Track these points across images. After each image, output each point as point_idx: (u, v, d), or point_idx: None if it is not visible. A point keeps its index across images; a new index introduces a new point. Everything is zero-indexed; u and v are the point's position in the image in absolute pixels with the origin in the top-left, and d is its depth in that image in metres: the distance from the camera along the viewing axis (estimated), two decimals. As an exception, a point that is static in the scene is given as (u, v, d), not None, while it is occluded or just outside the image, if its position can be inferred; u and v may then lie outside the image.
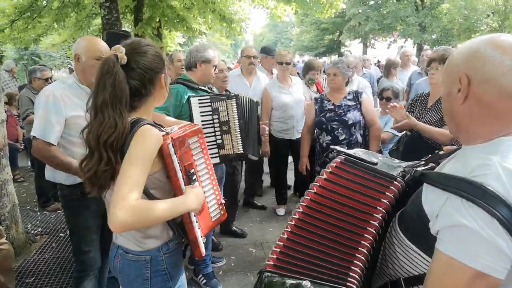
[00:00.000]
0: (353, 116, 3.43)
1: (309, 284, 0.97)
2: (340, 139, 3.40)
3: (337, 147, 1.37)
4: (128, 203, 1.17)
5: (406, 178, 1.13)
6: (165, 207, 1.29)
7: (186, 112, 2.78)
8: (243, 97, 3.11)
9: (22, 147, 6.89)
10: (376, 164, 1.19)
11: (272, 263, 1.08)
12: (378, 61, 24.07)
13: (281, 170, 4.61)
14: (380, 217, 1.04)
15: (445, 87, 1.04)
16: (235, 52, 47.87)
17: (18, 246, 3.79)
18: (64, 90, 2.29)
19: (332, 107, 3.51)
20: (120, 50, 1.34)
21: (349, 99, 3.52)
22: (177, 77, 3.38)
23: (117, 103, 1.30)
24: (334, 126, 3.45)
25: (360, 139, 3.48)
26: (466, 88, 0.95)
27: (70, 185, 2.35)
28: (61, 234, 4.34)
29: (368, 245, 1.01)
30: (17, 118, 7.05)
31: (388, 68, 6.10)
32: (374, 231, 1.02)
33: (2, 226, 3.40)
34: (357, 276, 0.98)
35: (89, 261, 2.48)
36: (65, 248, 4.00)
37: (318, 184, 1.17)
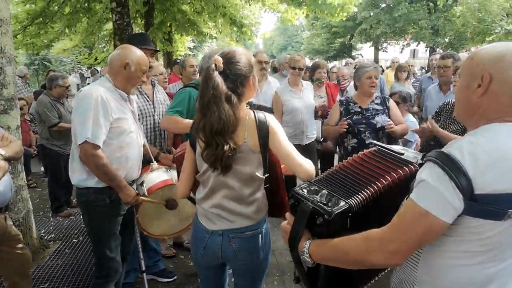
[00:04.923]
0: (381, 120, 3.41)
1: (326, 192, 1.35)
2: (367, 142, 3.36)
3: (375, 142, 1.65)
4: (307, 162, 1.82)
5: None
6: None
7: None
8: (256, 104, 3.14)
9: (35, 152, 7.00)
10: (402, 154, 1.47)
11: (315, 180, 1.48)
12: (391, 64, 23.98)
13: (292, 176, 4.62)
14: (385, 181, 1.35)
15: (463, 79, 1.21)
16: (245, 56, 47.95)
17: (32, 251, 3.85)
18: (106, 93, 2.31)
19: (359, 109, 3.50)
20: (218, 61, 1.69)
21: (376, 103, 3.51)
22: (189, 82, 3.44)
23: (218, 101, 1.65)
24: (361, 129, 3.42)
25: (385, 143, 3.43)
26: (486, 85, 1.13)
27: (100, 189, 2.37)
28: (74, 240, 4.41)
29: (374, 188, 1.34)
30: (30, 123, 7.17)
31: (399, 72, 6.12)
32: (379, 185, 1.35)
33: (17, 231, 3.45)
34: (356, 200, 1.30)
35: (114, 267, 2.54)
36: (78, 254, 4.07)
37: (352, 158, 1.53)
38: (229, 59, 1.74)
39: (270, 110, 3.56)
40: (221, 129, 1.67)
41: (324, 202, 1.30)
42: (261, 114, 1.82)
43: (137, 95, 3.05)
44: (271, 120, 1.83)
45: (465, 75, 1.21)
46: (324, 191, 1.36)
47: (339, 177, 1.44)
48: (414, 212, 1.09)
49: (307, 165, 1.82)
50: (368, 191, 1.33)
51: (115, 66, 2.40)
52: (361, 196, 1.31)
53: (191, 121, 2.42)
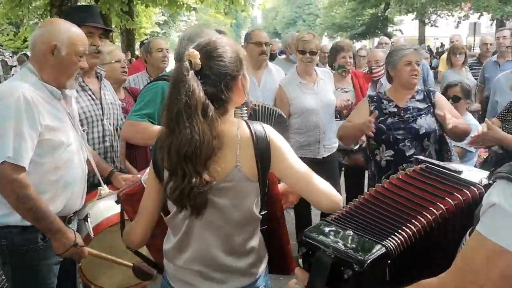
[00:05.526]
0: (425, 123, 3.40)
1: (351, 233, 1.34)
2: (408, 154, 3.35)
3: (422, 157, 1.66)
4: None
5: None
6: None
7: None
8: (261, 106, 3.11)
9: None
10: (460, 173, 1.47)
11: (332, 218, 1.49)
12: (442, 44, 24.10)
13: (303, 203, 4.60)
14: (436, 211, 1.35)
15: None
16: (237, 35, 48.15)
17: None
18: (31, 91, 2.27)
19: (396, 110, 3.50)
20: (194, 56, 1.67)
21: (418, 100, 3.51)
22: (160, 73, 3.45)
23: (192, 114, 1.63)
24: (399, 137, 3.41)
25: (434, 155, 3.45)
26: None
27: (28, 227, 2.31)
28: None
29: (420, 221, 1.34)
30: None
31: (453, 55, 6.19)
32: (424, 220, 1.35)
33: None
34: (395, 242, 1.30)
35: None
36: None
37: (387, 181, 1.54)
38: (208, 53, 1.73)
39: (284, 120, 3.55)
40: (191, 153, 1.63)
41: (351, 247, 1.28)
42: (258, 126, 1.81)
43: (78, 91, 2.98)
44: (272, 133, 1.84)
45: None
46: (349, 232, 1.35)
47: (368, 211, 1.43)
48: (485, 250, 1.08)
49: (331, 191, 1.84)
50: (412, 227, 1.32)
51: (38, 52, 2.37)
52: (403, 235, 1.31)
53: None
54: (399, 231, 1.31)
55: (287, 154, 1.83)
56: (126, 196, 2.08)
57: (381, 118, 3.50)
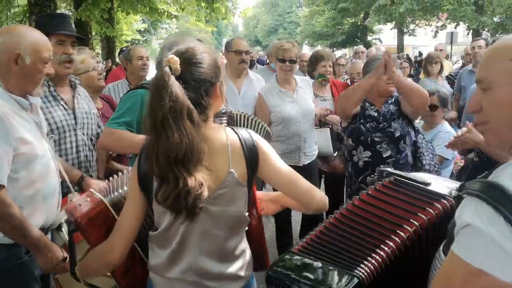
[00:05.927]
0: (399, 126, 3.51)
1: (320, 264, 1.31)
2: (384, 156, 3.45)
3: (390, 169, 1.65)
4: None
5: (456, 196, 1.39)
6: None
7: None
8: (241, 116, 3.11)
9: None
10: (429, 184, 1.45)
11: (299, 248, 1.46)
12: (420, 53, 24.35)
13: (284, 211, 4.61)
14: (410, 228, 1.33)
15: (506, 89, 1.19)
16: (218, 43, 48.14)
17: None
18: (0, 104, 2.20)
19: (376, 114, 3.59)
20: (174, 61, 1.67)
21: (391, 103, 3.62)
22: (140, 82, 3.42)
23: (179, 118, 1.62)
24: (376, 139, 3.51)
25: (410, 159, 3.55)
26: None
27: (11, 244, 2.26)
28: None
29: (392, 243, 1.31)
30: None
31: (429, 64, 6.28)
32: (398, 239, 1.33)
33: None
34: (368, 268, 1.28)
35: None
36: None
37: (358, 197, 1.53)
38: (188, 59, 1.73)
39: (270, 137, 3.56)
40: (182, 156, 1.63)
41: (322, 282, 1.27)
42: (244, 133, 1.86)
43: (50, 101, 2.96)
44: (258, 139, 1.89)
45: (509, 82, 1.20)
46: (317, 263, 1.34)
47: (338, 234, 1.42)
48: (461, 272, 1.07)
49: (318, 192, 1.90)
50: (384, 250, 1.31)
51: (0, 62, 2.29)
52: (374, 261, 1.29)
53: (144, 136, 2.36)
54: (371, 256, 1.30)
55: (274, 158, 1.89)
56: (88, 221, 1.94)
57: (362, 120, 3.57)
